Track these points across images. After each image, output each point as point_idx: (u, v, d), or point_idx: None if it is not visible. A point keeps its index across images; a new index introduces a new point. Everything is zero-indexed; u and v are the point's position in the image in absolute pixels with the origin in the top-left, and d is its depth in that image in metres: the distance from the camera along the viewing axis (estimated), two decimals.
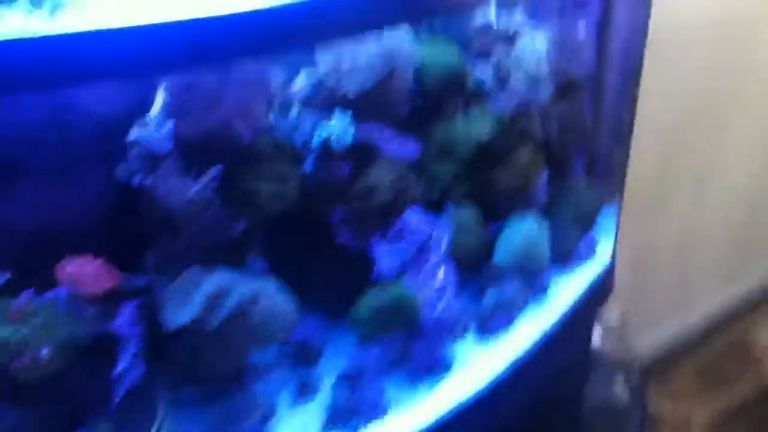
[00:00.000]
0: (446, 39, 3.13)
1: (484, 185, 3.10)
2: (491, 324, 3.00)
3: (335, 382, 2.68)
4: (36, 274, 2.36)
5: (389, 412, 2.65)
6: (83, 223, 2.46)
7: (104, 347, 2.37)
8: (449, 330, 2.88)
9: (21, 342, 2.18)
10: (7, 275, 2.27)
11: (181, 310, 2.34)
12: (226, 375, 2.51)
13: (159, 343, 2.38)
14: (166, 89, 2.44)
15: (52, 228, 2.39)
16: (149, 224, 2.40)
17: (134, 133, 2.36)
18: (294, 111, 2.78)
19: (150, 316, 2.38)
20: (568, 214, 3.34)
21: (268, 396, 2.62)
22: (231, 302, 2.35)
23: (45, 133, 2.26)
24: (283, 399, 2.72)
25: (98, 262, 2.38)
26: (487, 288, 3.05)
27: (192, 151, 2.43)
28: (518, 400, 3.03)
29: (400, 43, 2.92)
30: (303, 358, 2.87)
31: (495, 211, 3.14)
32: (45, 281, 2.34)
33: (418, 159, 3.09)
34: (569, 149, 3.33)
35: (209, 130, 2.39)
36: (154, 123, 2.37)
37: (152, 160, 2.36)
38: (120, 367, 2.33)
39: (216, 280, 2.37)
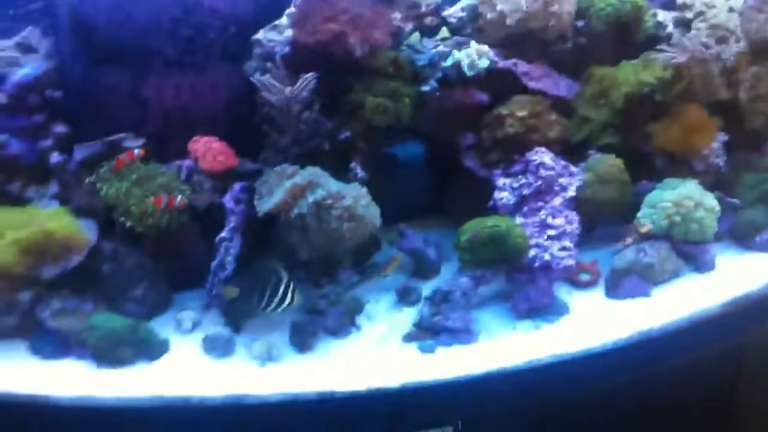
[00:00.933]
0: None
1: (638, 138, 2.91)
2: (622, 285, 2.77)
3: (424, 298, 2.75)
4: (170, 146, 2.81)
5: (477, 340, 2.63)
6: (213, 109, 2.88)
7: (213, 217, 2.76)
8: (559, 277, 2.76)
9: (141, 197, 2.61)
10: (142, 140, 2.72)
11: (269, 198, 2.59)
12: (312, 263, 2.75)
13: (254, 223, 2.67)
14: None
15: (188, 110, 2.86)
16: (261, 118, 2.70)
17: (260, 33, 2.67)
18: (430, 35, 2.90)
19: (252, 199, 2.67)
20: (753, 191, 2.93)
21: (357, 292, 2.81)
22: (316, 195, 2.57)
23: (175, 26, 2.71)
24: (383, 301, 2.89)
25: (222, 143, 2.76)
26: (615, 252, 2.84)
27: (306, 58, 2.71)
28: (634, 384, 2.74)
29: None
30: (418, 270, 3.01)
31: (646, 170, 2.93)
32: (177, 153, 2.77)
33: (570, 98, 3.03)
34: (759, 118, 2.92)
35: (323, 39, 2.62)
36: (277, 27, 2.67)
37: (270, 60, 2.64)
38: (221, 235, 2.67)
39: (305, 174, 2.62)
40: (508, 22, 2.95)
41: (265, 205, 2.64)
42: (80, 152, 2.80)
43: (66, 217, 2.70)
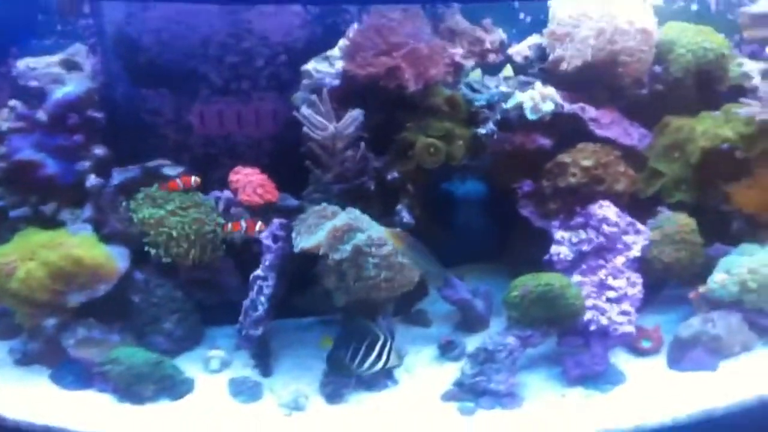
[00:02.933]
0: (709, 20, 2.89)
1: (714, 197, 2.78)
2: (686, 357, 2.62)
3: (467, 355, 2.65)
4: (211, 175, 2.81)
5: (520, 406, 2.52)
6: (258, 140, 2.88)
7: (249, 251, 2.75)
8: (617, 344, 2.63)
9: (177, 227, 2.60)
10: (181, 169, 2.72)
11: (308, 236, 2.56)
12: (350, 309, 2.67)
13: (292, 262, 2.62)
14: (345, 24, 2.75)
15: (231, 139, 2.87)
16: (306, 153, 2.69)
17: (310, 63, 2.65)
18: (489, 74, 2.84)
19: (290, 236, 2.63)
20: None
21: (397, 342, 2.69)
22: (356, 240, 2.50)
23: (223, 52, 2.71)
24: (424, 353, 2.82)
25: (263, 176, 2.74)
26: (691, 314, 2.68)
27: (356, 92, 2.68)
28: None
29: (642, 16, 2.77)
30: (465, 322, 2.95)
31: (722, 232, 2.78)
32: (217, 182, 2.77)
33: (641, 149, 2.92)
34: None
35: (375, 73, 2.59)
36: (328, 58, 2.64)
37: (325, 91, 2.60)
38: (256, 272, 2.64)
39: (345, 216, 2.57)
40: (569, 68, 2.87)
41: (302, 244, 2.59)
42: (118, 176, 2.83)
43: (96, 244, 2.72)
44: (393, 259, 2.59)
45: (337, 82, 2.77)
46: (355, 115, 2.66)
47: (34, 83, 2.93)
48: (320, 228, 2.60)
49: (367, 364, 2.48)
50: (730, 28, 3.07)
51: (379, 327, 2.55)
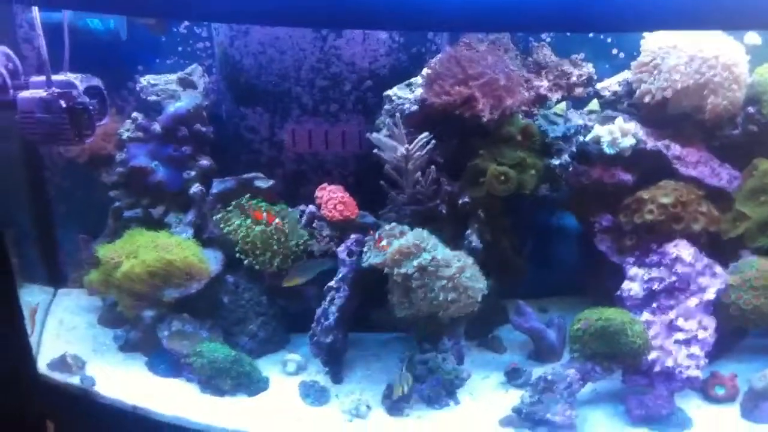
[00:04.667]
0: None
1: None
2: (760, 407, 2.56)
3: (529, 384, 2.73)
4: (300, 189, 3.10)
5: None
6: (343, 159, 3.11)
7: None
8: (684, 387, 2.60)
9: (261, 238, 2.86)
10: (272, 182, 2.98)
11: (377, 253, 2.75)
12: (418, 325, 2.85)
13: (366, 276, 2.83)
14: (429, 53, 2.94)
15: (319, 157, 3.11)
16: (384, 174, 2.88)
17: (393, 89, 2.84)
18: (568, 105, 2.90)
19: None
20: None
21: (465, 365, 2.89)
22: (420, 260, 2.66)
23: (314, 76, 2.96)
24: (492, 378, 2.92)
25: (345, 193, 2.97)
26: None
27: (434, 118, 2.83)
28: None
29: (731, 53, 2.75)
30: (537, 352, 3.02)
31: None
32: (302, 198, 3.06)
33: (731, 191, 2.88)
34: None
35: (451, 101, 2.74)
36: (411, 85, 2.82)
37: (398, 115, 2.79)
38: (331, 283, 2.86)
39: (412, 236, 2.73)
40: (654, 100, 2.86)
41: (370, 259, 2.78)
42: (217, 186, 3.13)
43: (191, 247, 3.03)
44: (456, 280, 2.73)
45: (415, 108, 2.91)
46: (425, 137, 2.80)
47: (153, 98, 3.28)
48: (389, 246, 2.78)
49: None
50: None
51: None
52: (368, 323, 3.11)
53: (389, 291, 2.83)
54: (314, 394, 2.84)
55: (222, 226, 3.01)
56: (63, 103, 2.45)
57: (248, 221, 2.96)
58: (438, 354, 2.86)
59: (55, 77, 2.53)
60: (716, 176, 2.90)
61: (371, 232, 2.87)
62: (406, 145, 2.79)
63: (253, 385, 2.88)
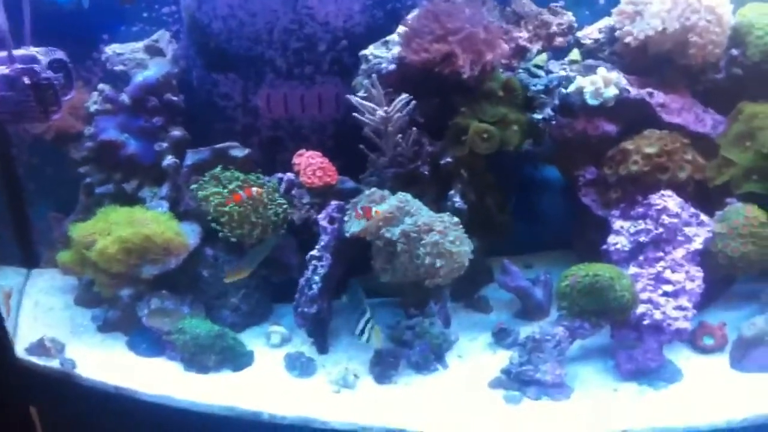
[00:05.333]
0: None
1: None
2: (749, 357, 2.57)
3: (517, 344, 2.71)
4: (277, 157, 3.04)
5: (569, 397, 2.56)
6: (321, 123, 3.04)
7: (310, 231, 2.91)
8: (673, 339, 2.59)
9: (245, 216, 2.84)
10: (248, 150, 2.92)
11: (357, 221, 2.70)
12: (404, 290, 2.84)
13: (347, 243, 2.79)
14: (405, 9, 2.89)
15: (296, 122, 3.04)
16: (363, 137, 2.83)
17: (369, 48, 2.78)
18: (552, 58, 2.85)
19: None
20: None
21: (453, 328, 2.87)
22: (402, 225, 2.63)
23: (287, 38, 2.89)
24: (479, 340, 2.90)
25: (324, 159, 2.91)
26: (756, 314, 2.63)
27: (412, 77, 2.76)
28: None
29: None
30: (524, 310, 3.00)
31: None
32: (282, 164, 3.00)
33: (716, 137, 2.86)
34: None
35: (430, 59, 2.68)
36: (387, 43, 2.75)
37: (374, 76, 2.73)
38: (313, 252, 2.81)
39: (394, 201, 2.69)
40: (636, 42, 2.84)
41: (352, 228, 2.74)
42: (191, 157, 3.05)
43: (169, 220, 2.97)
44: (441, 246, 2.68)
45: (393, 67, 2.85)
46: (404, 98, 2.74)
47: (120, 68, 3.20)
48: None
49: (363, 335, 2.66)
50: None
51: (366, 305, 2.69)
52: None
53: (372, 257, 2.78)
54: (300, 366, 2.80)
55: (197, 194, 2.95)
56: (27, 80, 2.38)
57: (225, 190, 2.90)
58: (425, 318, 2.83)
59: (16, 52, 2.45)
60: (701, 122, 2.88)
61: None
62: (385, 107, 2.73)
63: (238, 359, 2.84)
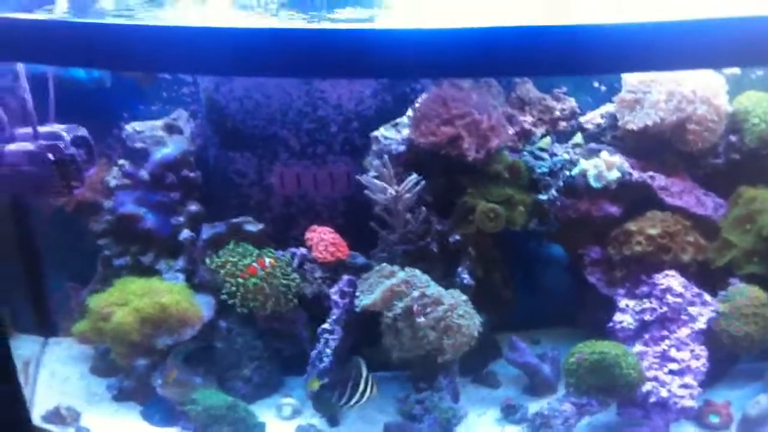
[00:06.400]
0: None
1: None
2: None
3: (525, 420, 2.77)
4: (290, 233, 3.15)
5: None
6: (332, 200, 3.16)
7: (321, 305, 2.99)
8: (679, 417, 2.65)
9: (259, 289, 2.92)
10: (261, 225, 3.03)
11: (368, 295, 2.79)
12: (413, 365, 2.90)
13: (359, 318, 2.87)
14: (414, 94, 3.03)
15: (308, 199, 3.17)
16: (374, 215, 2.94)
17: (379, 130, 2.95)
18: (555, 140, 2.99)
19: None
20: None
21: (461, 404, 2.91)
22: (407, 299, 2.71)
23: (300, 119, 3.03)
24: (488, 415, 2.94)
25: (335, 234, 3.01)
26: (760, 392, 2.69)
27: (421, 158, 2.90)
28: None
29: (709, 86, 2.83)
30: (532, 386, 3.04)
31: None
32: (292, 240, 3.10)
33: (716, 219, 2.95)
34: None
35: (437, 141, 2.80)
36: (397, 125, 2.90)
37: (386, 157, 2.86)
38: (324, 326, 2.88)
39: (402, 275, 2.78)
40: (636, 128, 2.95)
41: (362, 302, 2.82)
42: (207, 231, 3.15)
43: (184, 292, 3.04)
44: (448, 319, 2.77)
45: (402, 148, 2.97)
46: (414, 179, 2.85)
47: (139, 145, 3.29)
48: (379, 286, 2.81)
49: (352, 400, 2.70)
50: None
51: (362, 364, 2.73)
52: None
53: (383, 332, 2.85)
54: None
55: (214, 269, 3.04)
56: (51, 156, 2.49)
57: (240, 262, 2.99)
58: (434, 393, 2.87)
59: (41, 129, 2.57)
60: (702, 205, 2.97)
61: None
62: (396, 186, 2.84)
63: (250, 431, 2.89)
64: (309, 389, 2.85)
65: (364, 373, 2.71)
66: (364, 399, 2.71)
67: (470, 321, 2.76)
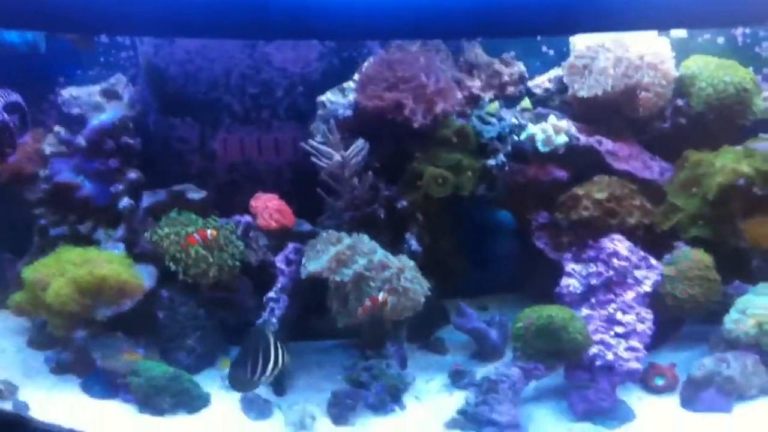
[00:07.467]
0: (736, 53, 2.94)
1: (732, 234, 2.80)
2: (699, 397, 2.65)
3: (473, 385, 2.76)
4: (234, 200, 3.08)
5: None
6: (278, 167, 3.11)
7: (266, 273, 2.95)
8: (625, 380, 2.69)
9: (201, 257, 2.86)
10: (204, 193, 2.96)
11: (315, 261, 2.76)
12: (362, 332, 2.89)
13: (304, 285, 2.83)
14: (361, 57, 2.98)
15: (253, 166, 3.11)
16: (320, 181, 2.90)
17: (325, 95, 2.91)
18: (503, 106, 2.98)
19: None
20: None
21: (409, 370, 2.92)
22: (356, 265, 2.69)
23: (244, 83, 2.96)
24: (436, 381, 2.93)
25: (281, 202, 2.96)
26: (705, 355, 2.73)
27: (368, 123, 2.86)
28: None
29: (655, 51, 2.85)
30: (480, 352, 3.05)
31: (742, 268, 2.79)
32: (237, 208, 3.03)
33: (662, 183, 2.98)
34: None
35: (383, 106, 2.78)
36: (343, 90, 2.85)
37: (332, 121, 2.82)
38: (270, 294, 2.84)
39: (349, 241, 2.75)
40: (586, 96, 2.97)
41: (308, 268, 2.79)
42: (147, 199, 3.09)
43: (124, 262, 2.97)
44: (394, 284, 2.76)
45: (349, 113, 2.95)
46: (360, 144, 2.84)
47: (76, 111, 3.21)
48: (326, 253, 2.79)
49: (267, 371, 2.59)
50: (758, 62, 3.08)
51: (268, 333, 2.63)
52: (309, 331, 3.09)
53: (329, 299, 2.83)
54: (257, 408, 2.80)
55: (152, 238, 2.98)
56: None
57: (182, 231, 2.93)
58: (381, 360, 2.87)
59: None
60: (648, 169, 3.01)
61: None
62: (342, 152, 2.81)
63: (194, 401, 2.83)
64: (220, 370, 2.83)
65: (271, 340, 2.61)
66: (279, 367, 2.61)
67: (417, 285, 2.76)
